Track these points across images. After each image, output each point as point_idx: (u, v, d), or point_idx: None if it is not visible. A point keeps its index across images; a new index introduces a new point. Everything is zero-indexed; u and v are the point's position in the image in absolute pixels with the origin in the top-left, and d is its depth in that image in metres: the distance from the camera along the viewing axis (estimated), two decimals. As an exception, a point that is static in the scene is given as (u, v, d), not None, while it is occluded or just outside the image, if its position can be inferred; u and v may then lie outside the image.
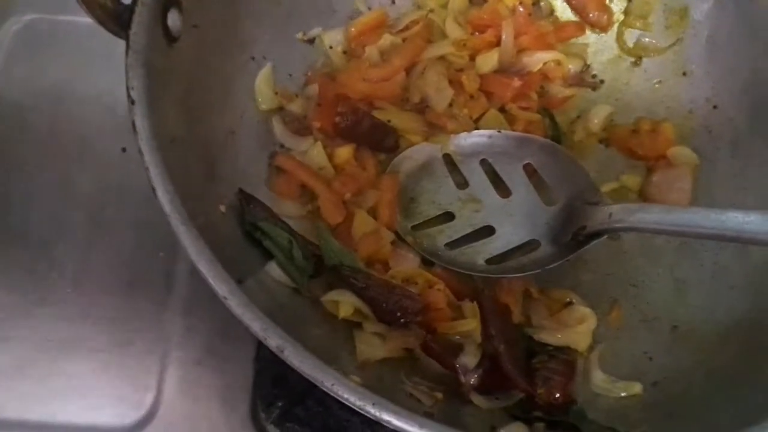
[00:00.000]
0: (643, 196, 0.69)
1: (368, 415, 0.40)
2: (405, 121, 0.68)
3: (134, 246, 0.67)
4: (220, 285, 0.42)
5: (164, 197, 0.44)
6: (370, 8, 0.72)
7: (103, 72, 0.75)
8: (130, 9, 0.49)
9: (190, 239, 0.43)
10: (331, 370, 0.41)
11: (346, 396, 0.40)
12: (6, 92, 0.75)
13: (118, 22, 0.49)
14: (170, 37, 0.53)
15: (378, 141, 0.66)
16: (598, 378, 0.57)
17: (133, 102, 0.46)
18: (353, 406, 0.40)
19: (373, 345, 0.54)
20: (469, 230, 0.64)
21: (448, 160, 0.67)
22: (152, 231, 0.67)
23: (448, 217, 0.65)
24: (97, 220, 0.69)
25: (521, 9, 0.71)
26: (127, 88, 0.47)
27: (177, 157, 0.49)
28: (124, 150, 0.70)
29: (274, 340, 0.41)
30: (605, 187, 0.68)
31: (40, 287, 0.66)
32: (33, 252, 0.67)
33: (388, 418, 0.40)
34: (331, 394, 0.41)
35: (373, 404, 0.40)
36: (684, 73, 0.72)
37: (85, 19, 0.77)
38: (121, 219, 0.68)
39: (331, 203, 0.61)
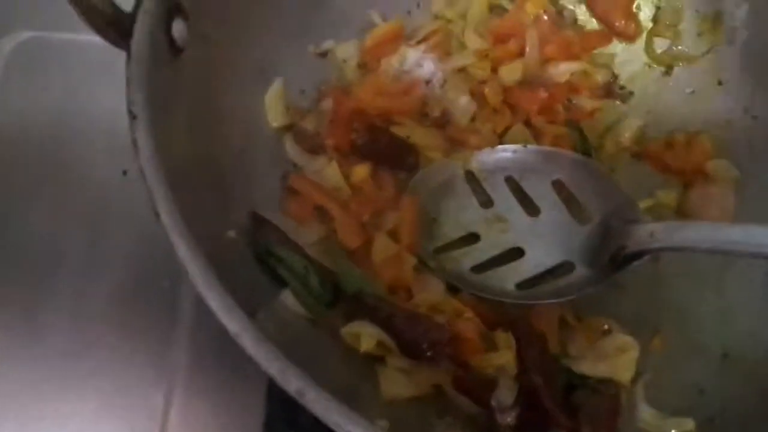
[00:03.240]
0: (681, 213, 0.64)
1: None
2: (425, 137, 0.63)
3: (136, 274, 0.63)
4: (232, 321, 0.37)
5: (169, 222, 0.39)
6: (385, 19, 0.68)
7: (102, 92, 0.71)
8: (132, 17, 0.45)
9: (198, 269, 0.38)
10: (359, 419, 0.36)
11: (377, 446, 0.35)
12: (2, 113, 0.71)
13: (119, 31, 0.45)
14: (175, 48, 0.49)
15: (397, 159, 0.62)
16: (646, 413, 0.52)
17: (134, 117, 0.42)
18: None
19: (398, 382, 0.50)
20: (496, 252, 0.59)
21: (472, 177, 0.63)
22: (155, 258, 0.62)
23: (473, 238, 0.60)
24: (96, 247, 0.65)
25: (545, 17, 0.68)
26: (128, 103, 0.43)
27: (182, 178, 0.45)
28: (125, 173, 0.66)
29: (293, 383, 0.36)
30: (640, 205, 0.63)
31: (37, 321, 0.61)
32: (29, 282, 0.63)
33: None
34: (360, 443, 0.36)
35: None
36: (719, 82, 0.68)
37: (83, 37, 0.74)
38: (123, 245, 0.64)
39: (349, 226, 0.57)
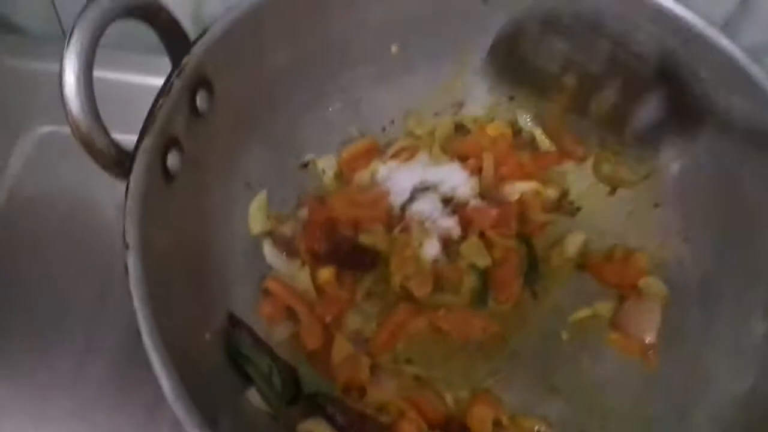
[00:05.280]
0: (615, 323, 0.72)
1: None
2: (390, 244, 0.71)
3: (131, 354, 0.70)
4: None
5: (149, 342, 0.47)
6: (363, 134, 0.77)
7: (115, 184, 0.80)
8: (132, 156, 0.54)
9: (169, 385, 0.46)
10: None
11: None
12: (19, 201, 0.80)
13: (121, 168, 0.54)
14: (168, 177, 0.57)
15: (357, 262, 0.70)
16: None
17: (127, 246, 0.51)
18: None
19: (344, 476, 0.57)
20: None
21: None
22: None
23: None
24: (95, 328, 0.73)
25: (503, 140, 0.76)
26: (123, 233, 0.51)
27: (167, 291, 0.53)
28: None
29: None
30: (578, 314, 0.71)
31: (41, 398, 0.68)
32: (34, 359, 0.71)
33: None
34: None
35: None
36: (656, 205, 0.76)
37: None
38: (125, 316, 0.71)
39: (311, 328, 0.64)
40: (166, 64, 0.58)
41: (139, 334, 0.48)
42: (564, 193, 0.78)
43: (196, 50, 0.58)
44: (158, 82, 0.57)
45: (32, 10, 0.90)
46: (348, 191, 0.73)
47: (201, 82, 0.60)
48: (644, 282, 0.72)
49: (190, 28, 0.89)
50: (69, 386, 0.69)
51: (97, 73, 0.51)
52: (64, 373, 0.70)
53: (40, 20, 0.92)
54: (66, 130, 0.78)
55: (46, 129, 0.84)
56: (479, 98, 0.80)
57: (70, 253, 0.77)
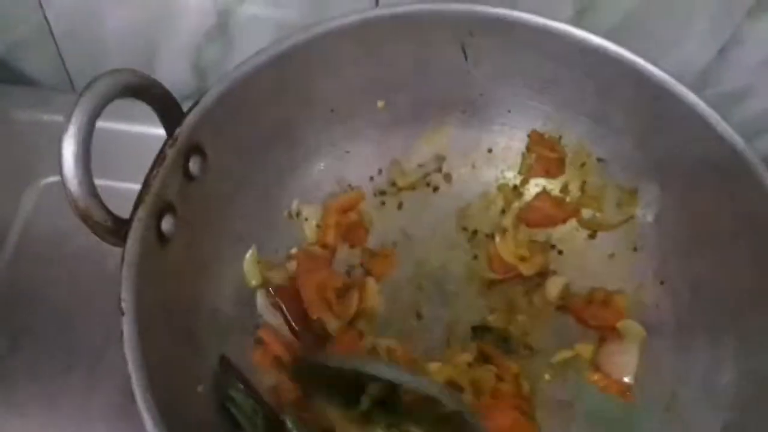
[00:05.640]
0: (595, 364, 0.75)
1: None
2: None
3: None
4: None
5: (142, 405, 0.51)
6: (351, 185, 0.80)
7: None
8: (128, 224, 0.58)
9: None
10: None
11: None
12: (28, 249, 0.84)
13: (117, 236, 0.57)
14: (163, 240, 0.61)
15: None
16: None
17: (123, 313, 0.54)
18: None
19: None
20: None
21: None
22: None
23: None
24: (99, 370, 0.78)
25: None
26: (119, 299, 0.55)
27: (161, 351, 0.57)
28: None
29: None
30: (559, 356, 0.74)
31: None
32: (40, 400, 0.76)
33: None
34: None
35: None
36: (635, 248, 0.78)
37: (103, 182, 0.88)
38: (123, 368, 0.75)
39: (288, 382, 0.68)
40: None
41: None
42: (547, 237, 0.81)
43: (189, 120, 0.62)
44: (156, 131, 0.62)
45: (41, 62, 0.95)
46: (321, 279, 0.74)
47: (194, 149, 0.63)
48: (623, 324, 0.75)
49: (191, 77, 0.94)
50: (74, 426, 0.74)
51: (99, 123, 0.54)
52: (69, 414, 0.75)
53: (49, 72, 0.96)
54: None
55: (53, 179, 0.88)
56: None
57: (75, 299, 0.82)
